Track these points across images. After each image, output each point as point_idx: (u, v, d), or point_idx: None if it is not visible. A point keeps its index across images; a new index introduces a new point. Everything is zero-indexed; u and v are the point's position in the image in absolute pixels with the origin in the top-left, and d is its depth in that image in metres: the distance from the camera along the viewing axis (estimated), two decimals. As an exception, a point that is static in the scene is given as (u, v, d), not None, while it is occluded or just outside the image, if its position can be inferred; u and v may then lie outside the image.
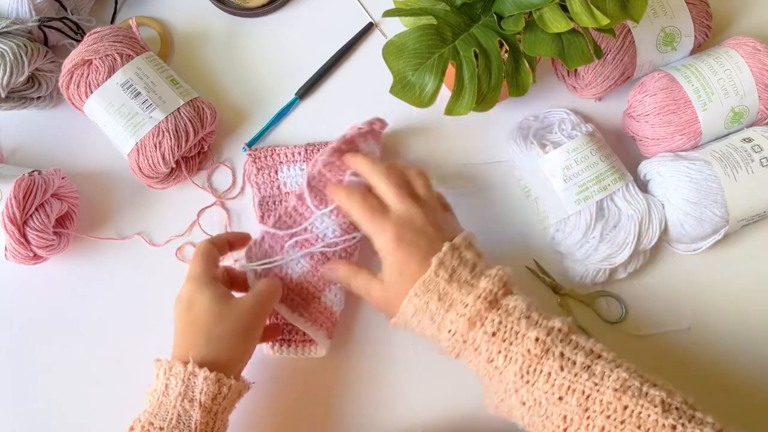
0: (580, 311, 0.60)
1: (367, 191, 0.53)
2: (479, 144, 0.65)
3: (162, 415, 0.45)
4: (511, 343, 0.44)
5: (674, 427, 0.40)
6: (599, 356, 0.44)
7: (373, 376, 0.58)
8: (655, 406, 0.41)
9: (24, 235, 0.56)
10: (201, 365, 0.46)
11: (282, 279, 0.56)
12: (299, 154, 0.63)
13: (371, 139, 0.61)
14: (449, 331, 0.46)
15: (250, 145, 0.65)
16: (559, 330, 0.45)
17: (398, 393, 0.57)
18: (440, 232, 0.50)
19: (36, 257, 0.58)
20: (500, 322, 0.45)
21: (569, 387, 0.42)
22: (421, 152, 0.65)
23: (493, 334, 0.45)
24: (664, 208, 0.58)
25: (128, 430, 0.46)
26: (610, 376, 0.42)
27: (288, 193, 0.62)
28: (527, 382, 0.43)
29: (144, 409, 0.47)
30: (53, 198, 0.58)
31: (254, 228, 0.61)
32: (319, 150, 0.62)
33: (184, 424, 0.45)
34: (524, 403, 0.44)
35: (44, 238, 0.56)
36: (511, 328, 0.45)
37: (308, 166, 0.59)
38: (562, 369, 0.43)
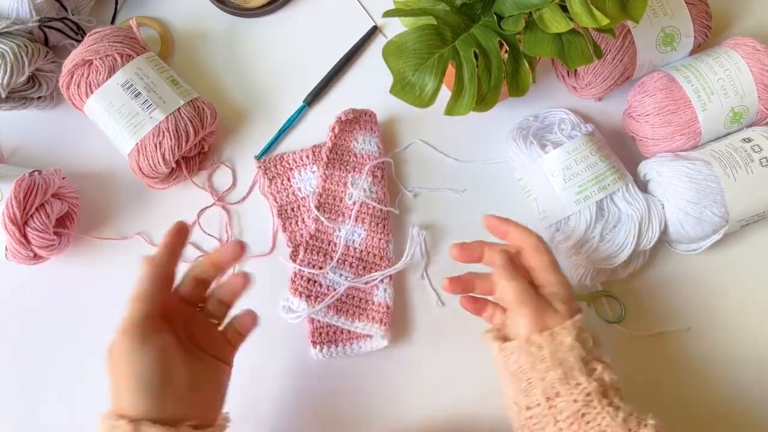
0: (580, 311, 0.60)
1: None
2: (479, 144, 0.65)
3: None
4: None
5: None
6: None
7: (371, 375, 0.58)
8: None
9: (24, 235, 0.56)
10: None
11: (331, 294, 0.58)
12: (307, 157, 0.63)
13: (366, 134, 0.63)
14: (548, 399, 0.44)
15: (260, 156, 0.65)
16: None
17: (396, 393, 0.57)
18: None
19: (36, 257, 0.58)
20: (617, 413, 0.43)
21: None
22: (421, 153, 0.65)
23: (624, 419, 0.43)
24: (663, 208, 0.58)
25: None
26: None
27: (305, 197, 0.62)
28: None
29: None
30: (54, 198, 0.58)
31: (260, 230, 0.62)
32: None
33: None
34: None
35: (45, 238, 0.56)
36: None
37: (313, 188, 0.62)
38: None
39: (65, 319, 0.60)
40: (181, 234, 0.49)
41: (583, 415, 0.43)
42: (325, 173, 0.61)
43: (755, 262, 0.61)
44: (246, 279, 0.50)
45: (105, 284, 0.61)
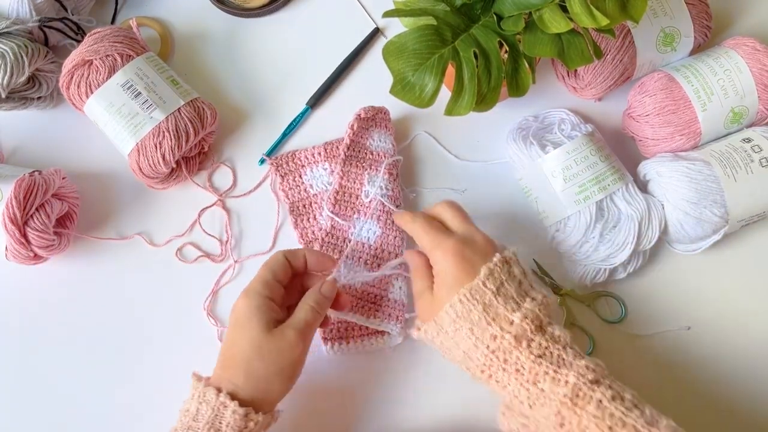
0: (580, 311, 0.60)
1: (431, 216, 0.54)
2: (479, 144, 0.65)
3: None
4: (559, 367, 0.44)
5: None
6: (641, 401, 0.43)
7: (374, 376, 0.58)
8: None
9: (24, 235, 0.56)
10: (233, 397, 0.46)
11: (347, 291, 0.58)
12: (319, 154, 0.63)
13: (382, 131, 0.63)
14: (488, 347, 0.45)
15: (267, 155, 0.65)
16: (603, 368, 0.44)
17: (408, 390, 0.57)
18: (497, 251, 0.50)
19: (36, 257, 0.58)
20: (546, 347, 0.45)
21: (621, 419, 0.41)
22: (423, 151, 0.65)
23: (539, 356, 0.44)
24: (663, 208, 0.58)
25: None
26: (659, 421, 0.42)
27: (317, 194, 0.62)
28: (575, 405, 0.42)
29: (174, 427, 0.48)
30: (54, 198, 0.58)
31: (260, 229, 0.63)
32: (337, 147, 0.63)
33: None
34: (563, 425, 0.43)
35: (44, 238, 0.56)
36: (558, 354, 0.44)
37: (330, 186, 0.62)
38: (613, 399, 0.42)
39: (65, 319, 0.60)
40: (322, 265, 0.54)
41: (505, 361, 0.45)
42: (342, 170, 0.62)
43: (755, 262, 0.61)
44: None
45: (105, 284, 0.61)
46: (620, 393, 0.43)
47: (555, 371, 0.43)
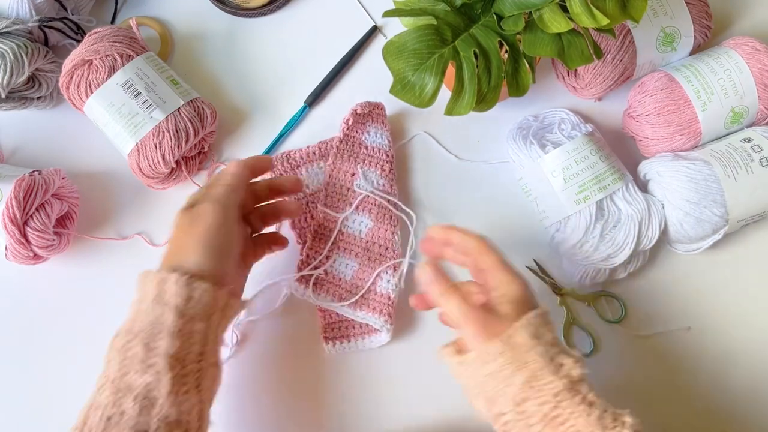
0: (580, 311, 0.60)
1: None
2: (479, 144, 0.65)
3: (140, 321, 0.45)
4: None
5: None
6: None
7: (368, 376, 0.58)
8: None
9: (24, 235, 0.56)
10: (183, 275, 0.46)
11: (337, 283, 0.59)
12: (314, 153, 0.63)
13: (378, 127, 0.63)
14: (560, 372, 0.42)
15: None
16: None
17: (393, 393, 0.57)
18: None
19: (36, 257, 0.58)
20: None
21: None
22: (421, 153, 0.65)
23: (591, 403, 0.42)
24: (663, 208, 0.58)
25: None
26: None
27: (313, 194, 0.62)
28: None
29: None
30: (53, 198, 0.58)
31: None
32: (332, 145, 0.63)
33: (159, 327, 0.44)
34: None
35: (44, 238, 0.56)
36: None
37: (324, 177, 0.62)
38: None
39: (65, 319, 0.60)
40: (265, 163, 0.56)
41: (554, 417, 0.41)
42: (333, 163, 0.62)
43: (755, 262, 0.61)
44: (294, 206, 0.58)
45: (105, 284, 0.61)
46: None
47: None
